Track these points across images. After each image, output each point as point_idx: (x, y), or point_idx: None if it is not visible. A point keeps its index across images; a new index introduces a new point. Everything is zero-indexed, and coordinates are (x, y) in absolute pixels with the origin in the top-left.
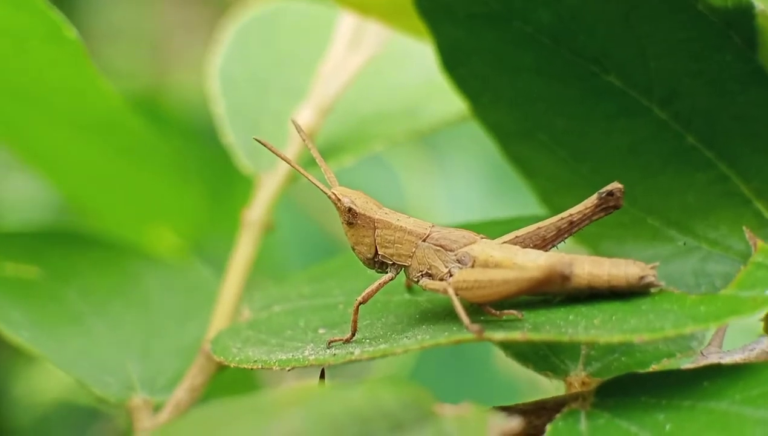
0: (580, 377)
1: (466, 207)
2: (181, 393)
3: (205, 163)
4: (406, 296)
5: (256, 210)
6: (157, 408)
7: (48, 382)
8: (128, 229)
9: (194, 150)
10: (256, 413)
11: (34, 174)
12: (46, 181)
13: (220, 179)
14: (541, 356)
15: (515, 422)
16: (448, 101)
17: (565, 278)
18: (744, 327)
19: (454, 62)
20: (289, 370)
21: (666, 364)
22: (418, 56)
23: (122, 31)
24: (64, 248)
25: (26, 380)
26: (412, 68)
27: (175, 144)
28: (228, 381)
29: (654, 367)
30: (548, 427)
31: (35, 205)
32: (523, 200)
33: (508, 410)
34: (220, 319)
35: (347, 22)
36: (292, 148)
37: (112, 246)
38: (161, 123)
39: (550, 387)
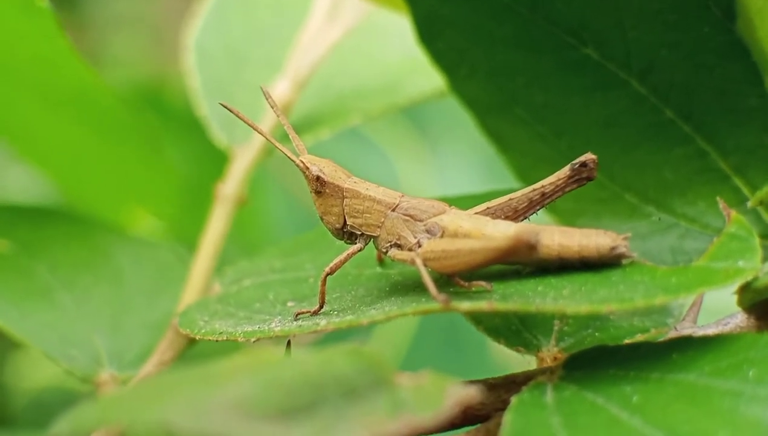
0: (552, 352)
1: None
2: (149, 368)
3: (205, 151)
4: (378, 269)
5: (230, 184)
6: (124, 383)
7: (37, 368)
8: (106, 209)
9: (195, 138)
10: (207, 380)
11: (12, 155)
12: (24, 162)
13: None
14: (513, 331)
15: (472, 391)
16: (428, 76)
17: (531, 246)
18: (721, 307)
19: (430, 35)
20: (254, 341)
21: (639, 340)
22: (399, 31)
23: (125, 20)
24: (36, 223)
25: (15, 367)
26: (391, 43)
27: (172, 130)
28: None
29: (627, 342)
30: (513, 399)
31: (32, 197)
32: (513, 185)
33: (475, 383)
34: (191, 294)
35: None
36: (267, 121)
37: (84, 221)
38: (163, 112)
39: None
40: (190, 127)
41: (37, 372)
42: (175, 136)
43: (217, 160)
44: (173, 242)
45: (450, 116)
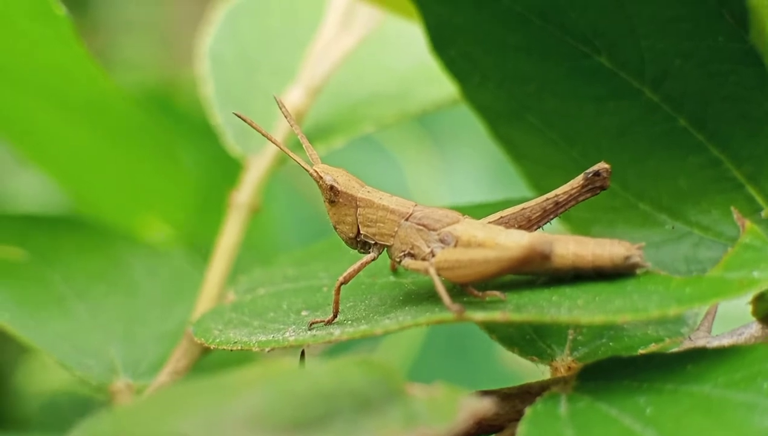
0: (566, 362)
1: (468, 200)
2: (163, 377)
3: (216, 156)
4: (391, 278)
5: (244, 192)
6: (139, 392)
7: (49, 372)
8: (119, 217)
9: (206, 143)
10: (219, 391)
11: (28, 164)
12: (38, 169)
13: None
14: (527, 341)
15: (486, 403)
16: (441, 84)
17: (545, 256)
18: (737, 314)
19: (442, 43)
20: (268, 351)
21: (653, 349)
22: (411, 39)
23: (135, 24)
24: (51, 232)
25: (27, 370)
26: (404, 51)
27: (184, 136)
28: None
29: (641, 352)
30: (527, 410)
31: (44, 204)
32: (524, 193)
33: (490, 393)
34: (205, 302)
35: (339, 2)
36: (280, 129)
37: (99, 231)
38: (174, 116)
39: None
40: (201, 131)
41: (48, 376)
42: (186, 141)
43: (228, 166)
44: (186, 249)
45: (460, 123)
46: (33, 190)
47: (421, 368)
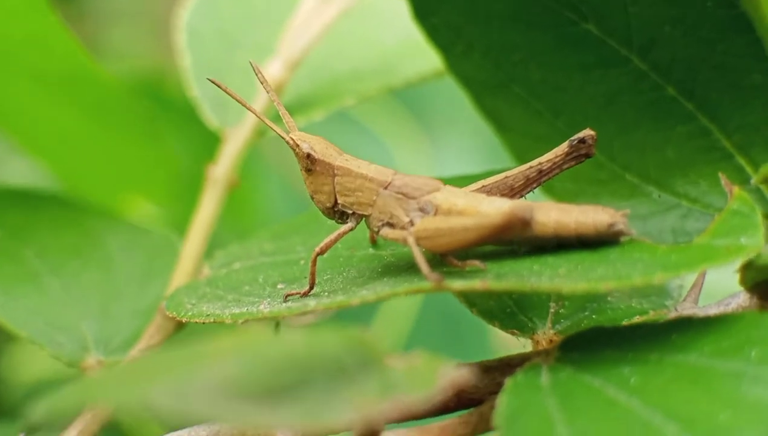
0: (548, 335)
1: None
2: (136, 353)
3: (205, 144)
4: (370, 250)
5: (222, 166)
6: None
7: (34, 360)
8: (102, 195)
9: (195, 129)
10: (192, 360)
11: (12, 146)
12: (21, 150)
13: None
14: (508, 314)
15: (465, 372)
16: (425, 57)
17: (525, 223)
18: (723, 287)
19: (425, 11)
20: (242, 323)
21: (638, 321)
22: (395, 11)
23: (125, 12)
24: (24, 207)
25: (12, 359)
26: (388, 23)
27: (173, 123)
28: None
29: (625, 323)
30: (507, 381)
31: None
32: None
33: (470, 365)
34: (180, 278)
35: None
36: (258, 103)
37: (74, 206)
38: (163, 104)
39: None
40: (190, 118)
41: (34, 364)
42: (175, 128)
43: (215, 150)
44: (170, 228)
45: (448, 104)
46: (23, 176)
47: (413, 346)
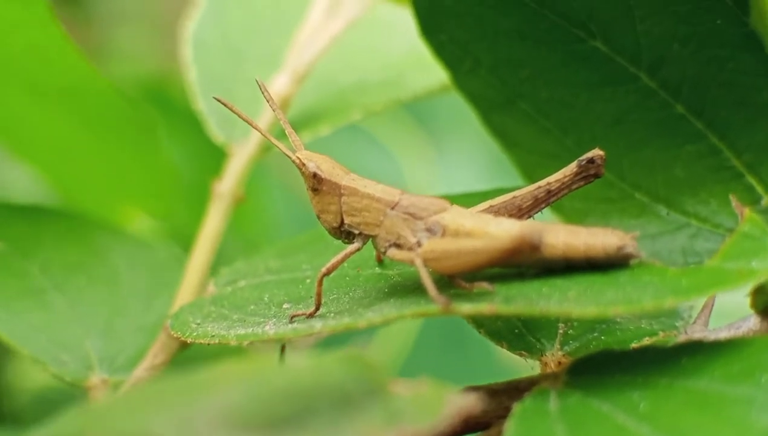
0: (556, 356)
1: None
2: (140, 372)
3: (209, 150)
4: (377, 269)
5: (227, 181)
6: (115, 388)
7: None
8: (101, 207)
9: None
10: (193, 388)
11: (12, 157)
12: (20, 161)
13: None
14: (516, 335)
15: (472, 399)
16: (432, 71)
17: (534, 246)
18: (735, 307)
19: (432, 27)
20: (247, 345)
21: (647, 343)
22: (402, 25)
23: (130, 15)
24: (29, 222)
25: (18, 365)
26: (395, 37)
27: (177, 128)
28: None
29: (634, 346)
30: (515, 406)
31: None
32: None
33: (476, 390)
34: (185, 295)
35: None
36: (265, 117)
37: (79, 221)
38: (167, 109)
39: None
40: (193, 124)
41: (38, 372)
42: (179, 133)
43: (219, 159)
44: (171, 242)
45: (455, 114)
46: (23, 186)
47: (415, 364)
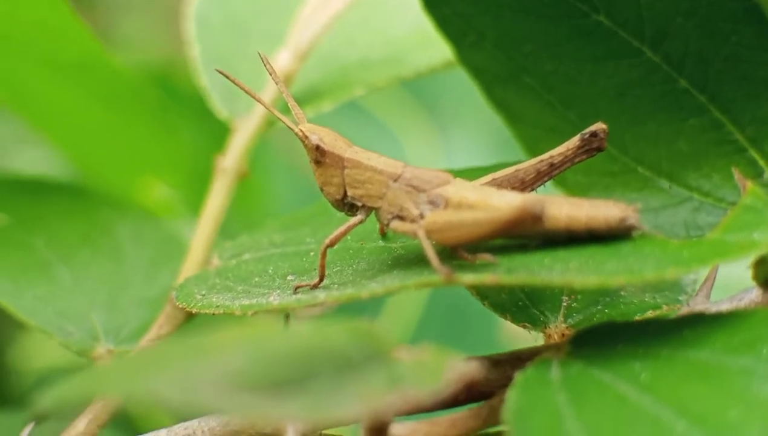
0: (560, 329)
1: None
2: (146, 343)
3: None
4: (380, 242)
5: (231, 156)
6: (121, 358)
7: (43, 348)
8: (119, 180)
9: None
10: (199, 352)
11: (29, 135)
12: (38, 137)
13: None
14: (520, 307)
15: (474, 366)
16: (435, 48)
17: (537, 217)
18: (736, 280)
19: (436, 0)
20: (251, 315)
21: (650, 316)
22: (404, 2)
23: (137, 2)
24: (35, 196)
25: (22, 347)
26: (398, 13)
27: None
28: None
29: (637, 318)
30: (517, 375)
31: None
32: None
33: (479, 359)
34: (190, 268)
35: None
36: (267, 93)
37: (84, 195)
38: (174, 93)
39: None
40: (200, 109)
41: (43, 352)
42: (186, 118)
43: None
44: (187, 211)
45: (458, 94)
46: (38, 165)
47: (421, 339)
